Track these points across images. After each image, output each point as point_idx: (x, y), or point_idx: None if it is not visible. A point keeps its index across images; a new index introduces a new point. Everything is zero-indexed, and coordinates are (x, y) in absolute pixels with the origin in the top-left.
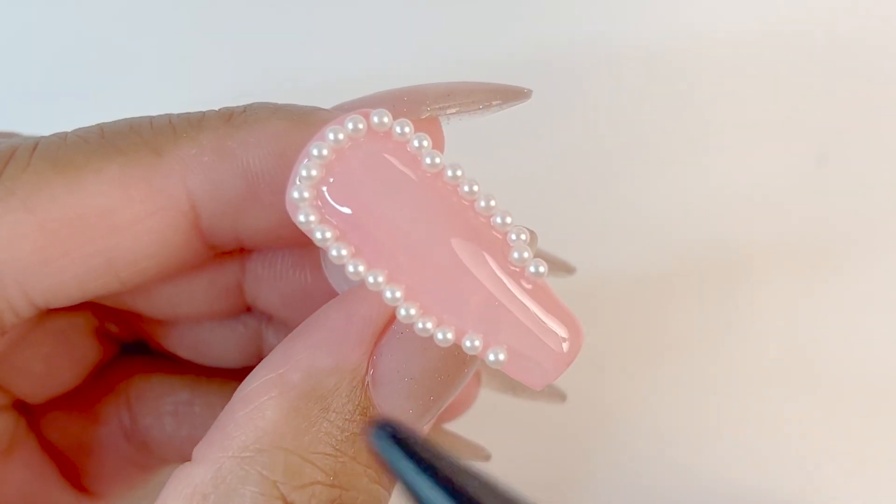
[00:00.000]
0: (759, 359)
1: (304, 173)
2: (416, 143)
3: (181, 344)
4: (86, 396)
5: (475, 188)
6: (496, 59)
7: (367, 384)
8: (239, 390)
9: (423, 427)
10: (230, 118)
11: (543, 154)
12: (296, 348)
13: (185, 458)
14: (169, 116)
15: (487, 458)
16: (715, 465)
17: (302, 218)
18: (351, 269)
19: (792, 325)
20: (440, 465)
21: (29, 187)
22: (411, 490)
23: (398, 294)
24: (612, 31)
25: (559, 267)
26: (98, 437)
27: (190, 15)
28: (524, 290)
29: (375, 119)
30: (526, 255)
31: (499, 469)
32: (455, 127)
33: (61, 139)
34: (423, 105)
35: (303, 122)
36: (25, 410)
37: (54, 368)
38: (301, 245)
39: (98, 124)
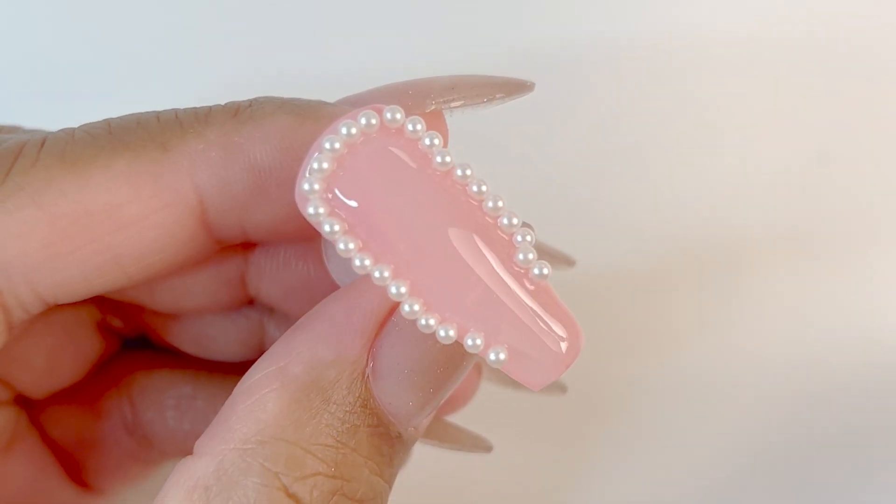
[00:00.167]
0: (759, 353)
1: (315, 166)
2: (427, 142)
3: (183, 337)
4: (87, 391)
5: (483, 188)
6: (497, 57)
7: (368, 376)
8: (240, 383)
9: (423, 418)
10: (236, 113)
11: (544, 148)
12: (297, 341)
13: (187, 452)
14: (175, 111)
15: (489, 449)
16: (714, 459)
17: (311, 210)
18: (357, 263)
19: (792, 319)
20: None
21: (37, 183)
22: None
23: (403, 290)
24: (612, 28)
25: (559, 260)
26: (100, 432)
27: (193, 8)
28: (527, 290)
29: (388, 115)
30: (531, 256)
31: (499, 461)
32: (457, 121)
33: (69, 135)
34: (428, 98)
35: (309, 116)
36: (27, 405)
37: (56, 362)
38: (306, 239)
39: (105, 120)
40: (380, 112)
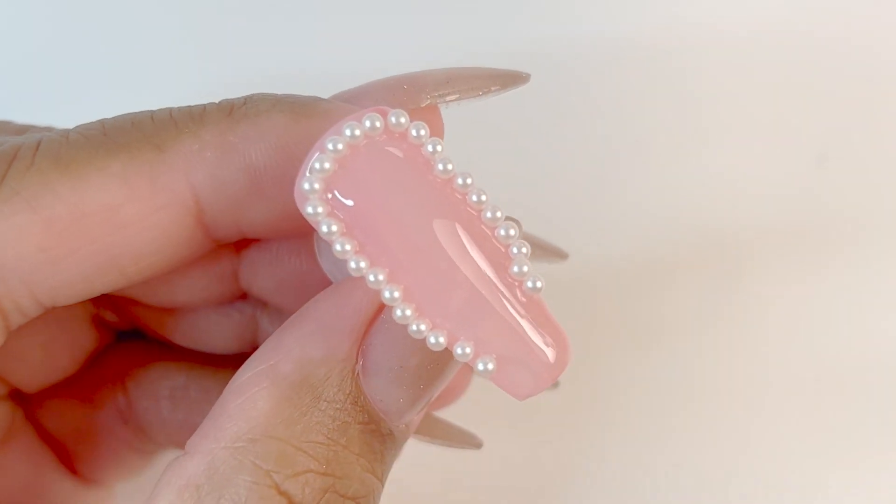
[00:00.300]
0: (755, 350)
1: (316, 165)
2: (430, 148)
3: (177, 331)
4: (82, 384)
5: (483, 198)
6: (496, 55)
7: (358, 374)
8: (231, 382)
9: (414, 415)
10: (231, 111)
11: (544, 145)
12: (286, 339)
13: (181, 442)
14: (170, 111)
15: (479, 445)
16: (711, 456)
17: (310, 209)
18: (353, 265)
19: (788, 316)
20: None
21: (33, 187)
22: None
23: (396, 294)
24: (612, 27)
25: (553, 253)
26: (96, 423)
27: (188, 6)
28: (519, 302)
29: (393, 119)
30: (525, 269)
31: (490, 457)
32: (456, 117)
33: (63, 137)
34: (423, 92)
35: (304, 113)
36: (22, 400)
37: (52, 356)
38: (303, 235)
39: (99, 120)
40: (384, 115)
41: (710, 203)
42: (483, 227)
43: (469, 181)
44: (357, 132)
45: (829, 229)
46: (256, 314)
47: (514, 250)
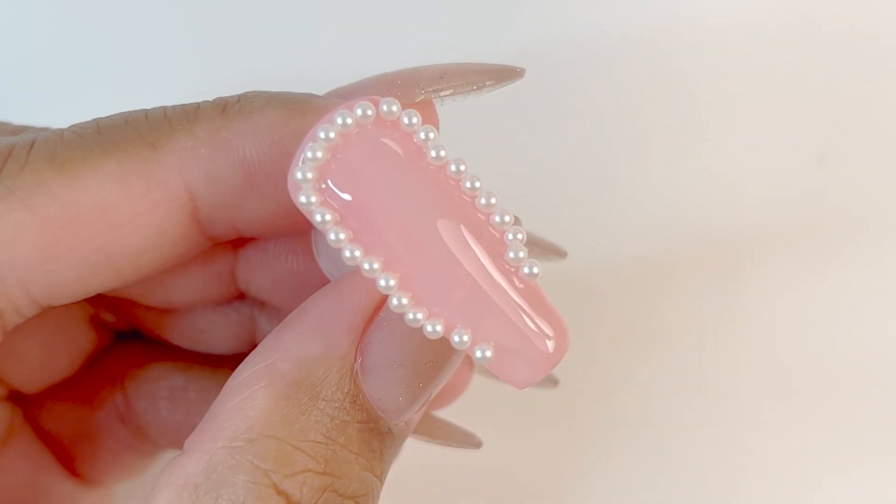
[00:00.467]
0: (755, 350)
1: (308, 155)
2: (422, 135)
3: (175, 331)
4: (81, 385)
5: (477, 184)
6: (494, 52)
7: (356, 372)
8: (229, 381)
9: (413, 413)
10: (225, 109)
11: (543, 142)
12: (285, 338)
13: (180, 443)
14: (164, 109)
15: (478, 445)
16: (711, 455)
17: (303, 199)
18: (348, 254)
19: (789, 316)
20: None
21: (28, 185)
22: None
23: (392, 282)
24: (611, 23)
25: (551, 251)
26: (95, 424)
27: (183, 6)
28: (516, 288)
29: (385, 107)
30: (521, 255)
31: (490, 456)
32: (453, 114)
33: (57, 136)
34: (417, 88)
35: (298, 110)
36: (21, 401)
37: (50, 357)
38: (298, 233)
39: (93, 119)
40: (376, 104)
41: (710, 202)
42: (478, 213)
43: (462, 168)
44: (349, 120)
45: (830, 228)
46: (254, 314)
47: (510, 236)
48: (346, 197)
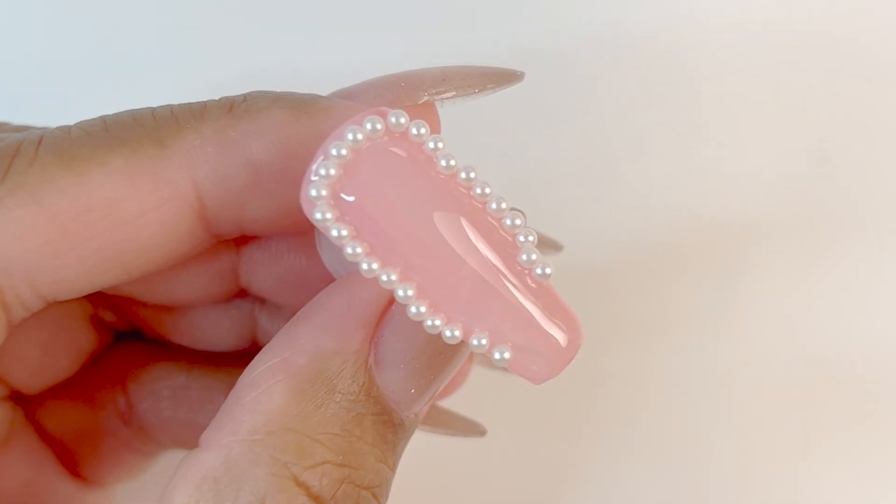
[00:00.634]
0: (754, 345)
1: (322, 171)
2: (431, 145)
3: (176, 329)
4: (82, 385)
5: (487, 190)
6: (494, 53)
7: (370, 365)
8: (244, 376)
9: (423, 405)
10: (231, 108)
11: (537, 137)
12: (299, 333)
13: (183, 442)
14: (170, 107)
15: (483, 433)
16: (708, 447)
17: (319, 216)
18: (365, 266)
19: (788, 311)
20: None
21: (36, 181)
22: None
23: (410, 293)
24: (610, 19)
25: (547, 244)
26: (96, 424)
27: (184, 5)
28: (530, 289)
29: (393, 119)
30: (534, 257)
31: (492, 447)
32: (451, 113)
33: (65, 133)
34: (420, 90)
35: (304, 110)
36: (22, 401)
37: (50, 357)
38: (302, 231)
39: (100, 117)
40: (384, 116)
41: (707, 198)
42: (489, 218)
43: (472, 175)
44: (359, 136)
45: (830, 224)
46: (255, 311)
47: (522, 239)
48: (360, 211)
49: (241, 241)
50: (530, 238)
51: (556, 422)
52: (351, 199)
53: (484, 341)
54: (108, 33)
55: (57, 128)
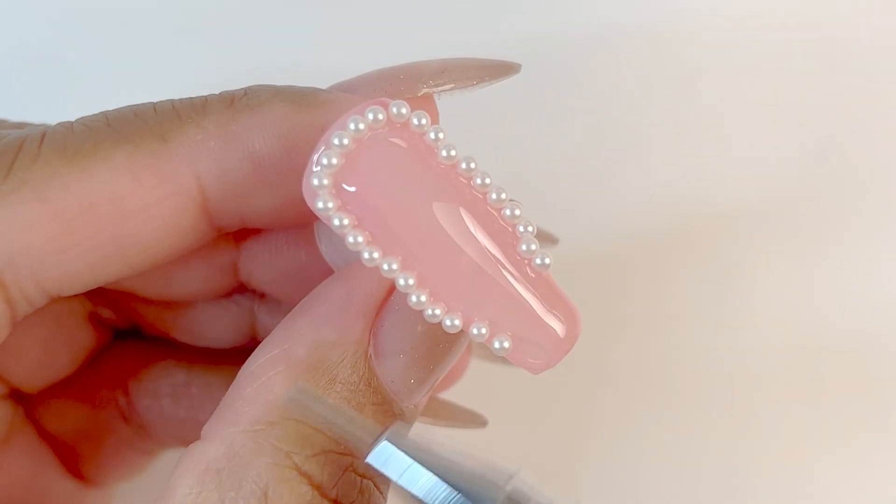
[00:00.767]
0: (752, 335)
1: (324, 161)
2: (432, 135)
3: (176, 325)
4: (82, 383)
5: (487, 180)
6: (493, 45)
7: (370, 356)
8: (244, 368)
9: (423, 395)
10: (232, 102)
11: (533, 131)
12: (299, 324)
13: (184, 439)
14: (172, 102)
15: (484, 424)
16: (709, 438)
17: (320, 205)
18: (366, 255)
19: (785, 303)
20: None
21: (40, 177)
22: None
23: (411, 281)
24: (609, 14)
25: (544, 238)
26: (97, 423)
27: (181, 5)
28: (529, 279)
29: (394, 110)
30: (533, 247)
31: (489, 437)
32: (449, 103)
33: (67, 128)
34: (419, 82)
35: (305, 103)
36: (22, 400)
37: (50, 355)
38: (303, 224)
39: (102, 112)
40: (385, 106)
41: (707, 189)
42: (489, 208)
43: (473, 165)
44: (361, 126)
45: (829, 217)
46: (254, 307)
47: (521, 229)
48: (362, 200)
49: (241, 235)
50: (529, 228)
51: (555, 415)
52: (352, 188)
53: (484, 330)
54: (108, 32)
55: (59, 124)
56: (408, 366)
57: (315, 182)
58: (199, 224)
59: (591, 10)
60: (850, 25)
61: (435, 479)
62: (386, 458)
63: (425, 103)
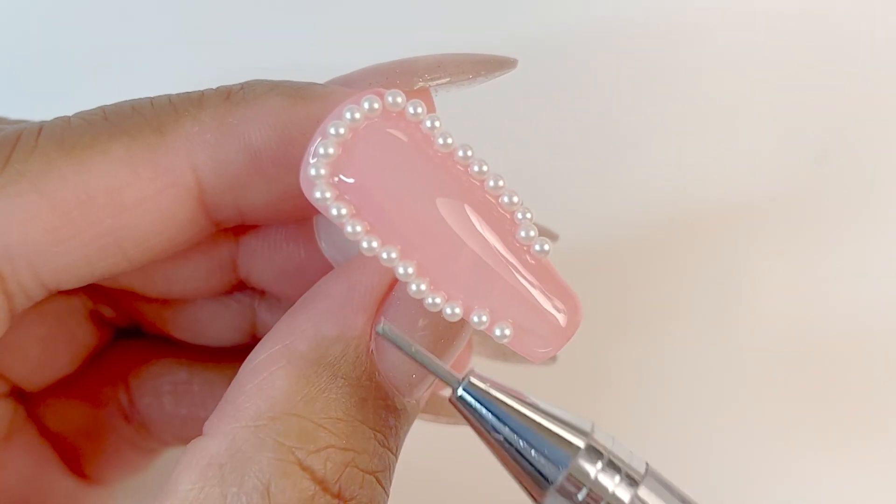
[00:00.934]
0: (752, 331)
1: (321, 151)
2: (428, 124)
3: (176, 323)
4: (84, 382)
5: (484, 168)
6: (492, 42)
7: (372, 351)
8: (246, 364)
9: (424, 390)
10: (229, 95)
11: (532, 127)
12: (300, 319)
13: (186, 437)
14: (168, 96)
15: None
16: (708, 431)
17: (318, 195)
18: (365, 245)
19: (788, 295)
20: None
21: (38, 169)
22: None
23: (410, 270)
24: (606, 4)
25: (542, 234)
26: (98, 421)
27: (180, 3)
28: (528, 266)
29: (390, 99)
30: (532, 234)
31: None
32: (446, 98)
33: (65, 122)
34: (415, 76)
35: (301, 96)
36: (24, 398)
37: (51, 352)
38: (301, 219)
39: (99, 106)
40: (381, 96)
41: (708, 185)
42: (487, 196)
43: (469, 153)
44: (357, 115)
45: (831, 212)
46: (254, 304)
47: (520, 216)
48: (360, 189)
49: (240, 231)
50: (528, 215)
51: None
52: (350, 178)
53: (485, 318)
54: (108, 30)
55: (56, 118)
56: (409, 360)
57: (312, 172)
58: (196, 217)
59: (592, 9)
60: (851, 25)
61: (523, 416)
62: (476, 394)
63: (422, 97)
